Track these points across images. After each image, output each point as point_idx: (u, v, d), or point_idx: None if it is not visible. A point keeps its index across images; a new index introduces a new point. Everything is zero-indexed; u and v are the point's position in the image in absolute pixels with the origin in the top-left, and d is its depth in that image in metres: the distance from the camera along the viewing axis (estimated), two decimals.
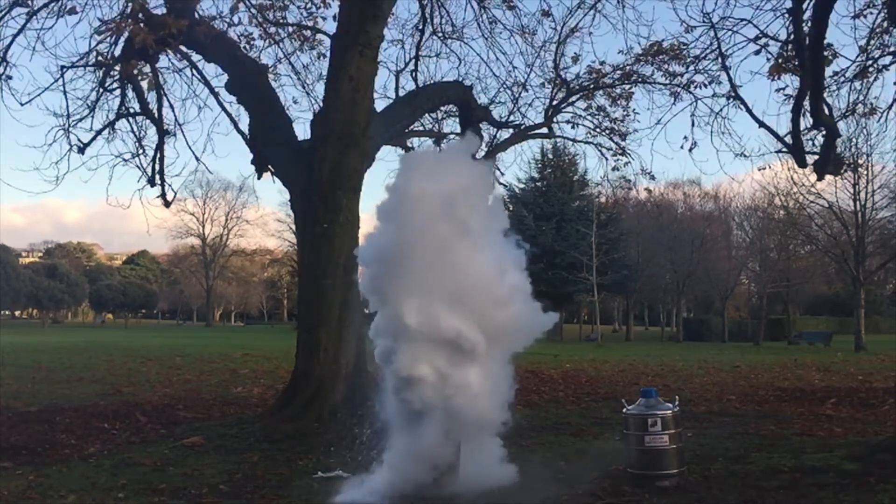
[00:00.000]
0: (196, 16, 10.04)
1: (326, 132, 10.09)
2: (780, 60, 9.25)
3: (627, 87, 13.48)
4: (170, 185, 12.65)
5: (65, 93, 11.26)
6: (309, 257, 10.20)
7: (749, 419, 10.53)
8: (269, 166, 11.47)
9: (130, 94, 11.81)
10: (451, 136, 13.55)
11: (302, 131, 12.17)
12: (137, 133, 12.39)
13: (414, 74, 13.39)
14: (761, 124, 9.20)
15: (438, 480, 6.03)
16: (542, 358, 22.70)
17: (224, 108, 11.98)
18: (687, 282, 53.02)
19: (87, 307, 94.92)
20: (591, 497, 5.97)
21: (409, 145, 13.08)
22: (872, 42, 9.49)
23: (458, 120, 13.28)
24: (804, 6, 7.98)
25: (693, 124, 11.62)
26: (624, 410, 6.49)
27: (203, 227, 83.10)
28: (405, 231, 6.11)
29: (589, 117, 14.09)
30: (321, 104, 11.16)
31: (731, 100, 10.77)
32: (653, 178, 14.67)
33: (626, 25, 12.06)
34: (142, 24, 9.25)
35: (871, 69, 9.89)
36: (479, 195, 6.56)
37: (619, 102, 13.70)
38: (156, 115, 12.04)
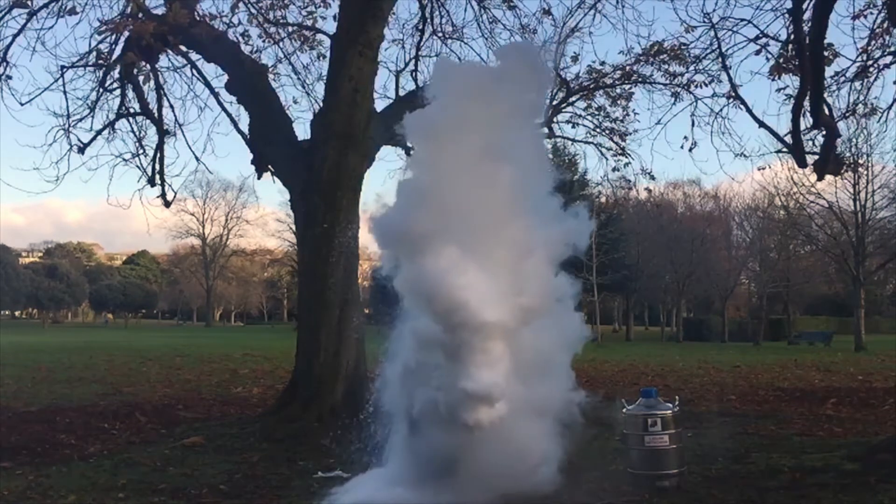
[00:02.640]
0: (196, 16, 10.03)
1: (326, 132, 10.08)
2: (780, 60, 9.24)
3: (627, 87, 13.45)
4: (170, 185, 12.64)
5: (65, 93, 11.26)
6: (309, 257, 10.19)
7: (749, 419, 10.52)
8: (269, 166, 11.46)
9: (130, 94, 11.79)
10: None
11: (302, 131, 12.12)
12: (137, 133, 12.38)
13: (414, 74, 13.36)
14: (761, 124, 9.18)
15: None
16: None
17: (224, 108, 11.98)
18: (687, 282, 52.99)
19: (87, 307, 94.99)
20: (591, 497, 5.96)
21: (409, 145, 13.04)
22: (872, 42, 9.48)
23: None
24: (804, 6, 7.96)
25: (693, 124, 11.62)
26: (624, 410, 6.48)
27: (203, 227, 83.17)
28: (442, 205, 5.36)
29: (589, 117, 14.05)
30: (321, 104, 11.15)
31: (731, 100, 10.77)
32: (653, 178, 14.55)
33: (626, 25, 12.00)
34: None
35: (871, 69, 9.89)
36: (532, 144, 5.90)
37: (619, 102, 13.67)
38: (156, 115, 12.03)
